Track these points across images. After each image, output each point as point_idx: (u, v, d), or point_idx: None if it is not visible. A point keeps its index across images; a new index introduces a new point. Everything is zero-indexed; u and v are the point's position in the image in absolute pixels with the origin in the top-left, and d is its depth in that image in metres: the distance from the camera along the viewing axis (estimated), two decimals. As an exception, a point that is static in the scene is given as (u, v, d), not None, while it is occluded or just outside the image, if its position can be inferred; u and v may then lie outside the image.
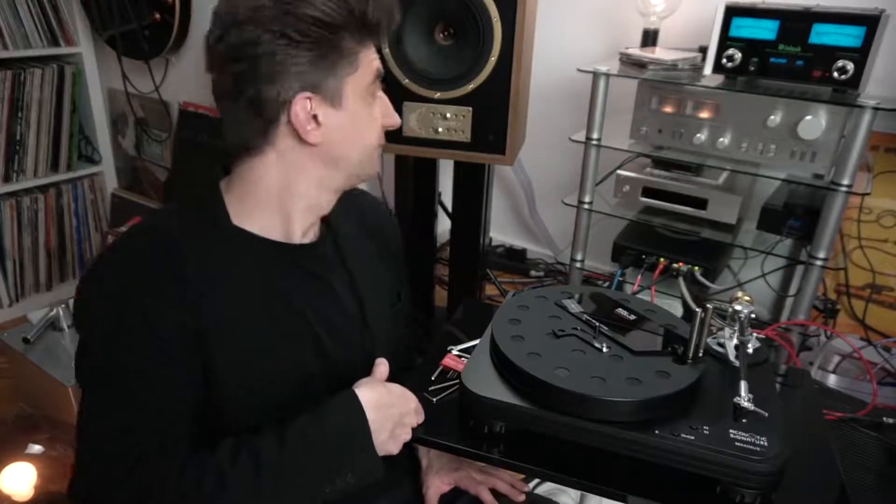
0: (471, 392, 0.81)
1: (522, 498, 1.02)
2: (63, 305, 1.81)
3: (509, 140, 1.53)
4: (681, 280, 1.55)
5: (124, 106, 2.43)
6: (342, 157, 0.82)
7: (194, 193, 0.85)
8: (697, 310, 0.80)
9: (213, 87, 0.79)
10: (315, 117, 0.77)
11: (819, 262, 1.41)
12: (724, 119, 1.46)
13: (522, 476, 1.05)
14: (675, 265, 1.57)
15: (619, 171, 1.66)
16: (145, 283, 0.75)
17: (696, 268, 1.56)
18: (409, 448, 0.83)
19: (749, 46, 1.37)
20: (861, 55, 1.27)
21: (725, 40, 1.40)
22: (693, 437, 0.74)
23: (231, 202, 0.82)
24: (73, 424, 0.78)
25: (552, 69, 1.96)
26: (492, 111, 1.51)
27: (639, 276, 1.61)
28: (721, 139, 1.46)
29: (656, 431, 0.74)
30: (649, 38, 1.73)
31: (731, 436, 0.74)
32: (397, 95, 1.52)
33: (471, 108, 1.52)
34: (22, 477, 1.49)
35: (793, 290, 1.68)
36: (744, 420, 0.75)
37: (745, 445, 0.73)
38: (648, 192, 1.62)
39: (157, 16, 2.10)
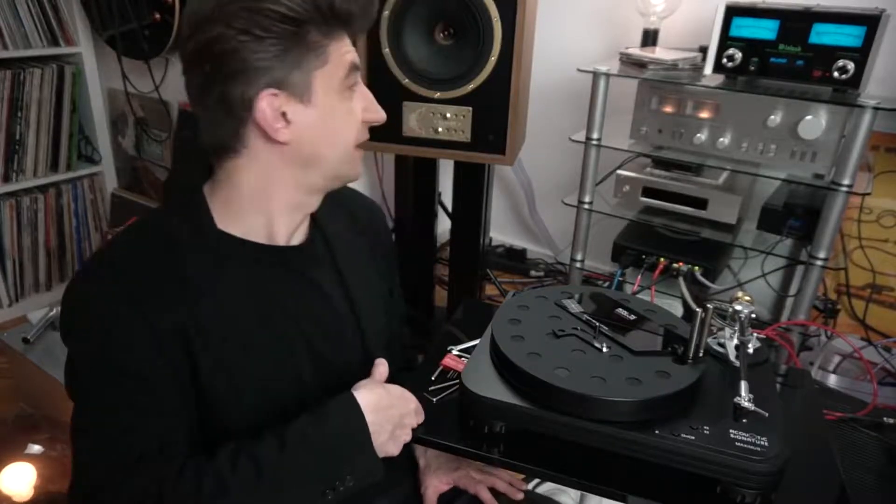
0: (471, 392, 0.81)
1: (521, 496, 1.02)
2: (63, 305, 1.80)
3: (509, 140, 1.53)
4: (681, 280, 1.55)
5: (124, 106, 2.43)
6: (316, 155, 0.79)
7: (179, 199, 0.84)
8: (697, 310, 0.80)
9: (186, 88, 0.78)
10: (284, 115, 0.75)
11: (819, 262, 1.41)
12: (724, 119, 1.46)
13: (522, 476, 1.05)
14: (675, 265, 1.57)
15: (619, 171, 1.66)
16: (146, 283, 0.75)
17: (697, 268, 1.56)
18: (407, 447, 0.83)
19: (749, 46, 1.37)
20: (861, 55, 1.27)
21: (726, 40, 1.40)
22: (693, 437, 0.74)
23: (216, 206, 0.81)
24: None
25: (552, 69, 1.96)
26: (492, 111, 1.51)
27: (639, 276, 1.61)
28: (721, 139, 1.46)
29: (656, 431, 0.74)
30: (649, 37, 1.73)
31: (732, 436, 0.74)
32: (397, 95, 1.53)
33: (471, 108, 1.52)
34: (22, 477, 1.48)
35: (793, 290, 1.68)
36: (744, 420, 0.75)
37: (745, 445, 0.73)
38: (648, 192, 1.62)
39: (157, 16, 2.09)
